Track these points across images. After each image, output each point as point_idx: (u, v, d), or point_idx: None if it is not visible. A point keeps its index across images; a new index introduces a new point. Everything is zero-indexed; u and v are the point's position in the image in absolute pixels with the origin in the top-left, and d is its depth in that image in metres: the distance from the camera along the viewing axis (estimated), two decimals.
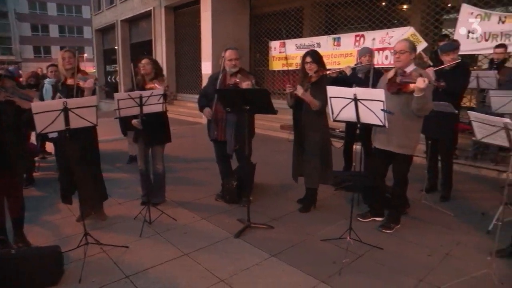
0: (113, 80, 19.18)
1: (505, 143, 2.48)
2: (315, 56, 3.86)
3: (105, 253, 3.29)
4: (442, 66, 4.22)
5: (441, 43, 5.85)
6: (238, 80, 3.96)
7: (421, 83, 3.04)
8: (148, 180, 4.37)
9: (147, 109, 3.72)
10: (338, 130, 5.51)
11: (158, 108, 3.82)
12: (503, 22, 6.32)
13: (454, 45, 4.40)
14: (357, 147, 4.89)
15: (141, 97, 3.63)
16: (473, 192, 4.84)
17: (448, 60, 4.21)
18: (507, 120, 2.37)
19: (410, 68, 3.40)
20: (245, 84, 3.87)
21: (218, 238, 3.59)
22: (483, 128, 2.57)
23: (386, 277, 2.94)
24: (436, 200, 4.47)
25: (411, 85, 3.15)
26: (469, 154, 5.89)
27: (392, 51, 3.52)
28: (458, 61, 4.20)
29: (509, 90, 3.80)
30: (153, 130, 4.08)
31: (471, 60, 8.16)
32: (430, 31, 8.21)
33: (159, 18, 13.91)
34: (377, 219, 3.89)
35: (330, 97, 3.10)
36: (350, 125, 5.06)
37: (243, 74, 4.10)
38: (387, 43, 7.60)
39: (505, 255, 3.21)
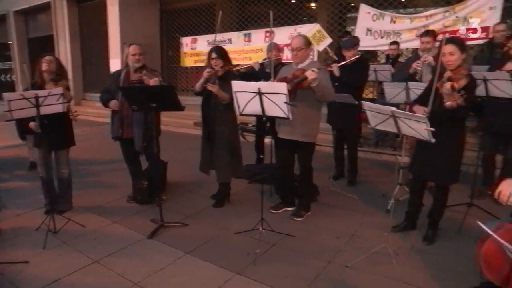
0: (8, 79, 17.30)
1: (394, 129, 2.74)
2: (220, 52, 3.90)
3: None
4: (345, 62, 4.48)
5: (344, 39, 6.25)
6: (144, 77, 3.83)
7: (310, 74, 3.24)
8: (51, 186, 4.05)
9: (45, 110, 3.43)
10: (250, 125, 5.64)
11: (58, 108, 3.54)
12: (394, 22, 7.00)
13: (354, 42, 4.71)
14: (267, 140, 5.04)
15: (37, 97, 3.34)
16: (375, 176, 5.28)
17: (349, 56, 4.49)
18: (394, 108, 2.62)
19: (306, 62, 3.60)
20: (153, 81, 3.77)
21: (131, 241, 3.46)
22: (376, 117, 2.81)
23: (298, 262, 3.09)
24: (343, 186, 4.79)
25: (304, 82, 3.33)
26: (371, 142, 6.42)
27: (289, 48, 3.66)
28: (358, 56, 4.50)
29: (400, 82, 4.20)
30: (55, 133, 3.79)
31: (371, 55, 8.85)
32: (334, 28, 8.72)
33: (61, 11, 12.85)
34: (289, 208, 4.05)
35: (236, 92, 3.15)
36: (260, 119, 5.20)
37: (148, 70, 3.99)
38: None
39: (399, 229, 3.57)
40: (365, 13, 7.30)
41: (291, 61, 3.75)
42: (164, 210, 3.77)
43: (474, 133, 5.35)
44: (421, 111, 3.03)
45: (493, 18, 6.00)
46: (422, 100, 3.23)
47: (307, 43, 3.60)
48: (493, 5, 6.01)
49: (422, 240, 3.41)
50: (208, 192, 4.52)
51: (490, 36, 5.78)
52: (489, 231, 1.81)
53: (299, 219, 3.85)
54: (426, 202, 3.57)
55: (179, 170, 5.30)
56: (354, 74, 4.39)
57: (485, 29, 6.13)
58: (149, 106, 3.46)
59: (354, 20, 7.71)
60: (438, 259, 3.12)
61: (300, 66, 3.60)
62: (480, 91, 3.70)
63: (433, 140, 2.56)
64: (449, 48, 3.00)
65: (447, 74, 3.01)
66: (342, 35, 7.59)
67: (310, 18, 9.47)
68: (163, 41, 11.38)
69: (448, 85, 2.86)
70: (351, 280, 2.84)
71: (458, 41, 3.05)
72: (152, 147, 3.83)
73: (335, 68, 4.31)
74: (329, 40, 6.93)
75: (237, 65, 4.85)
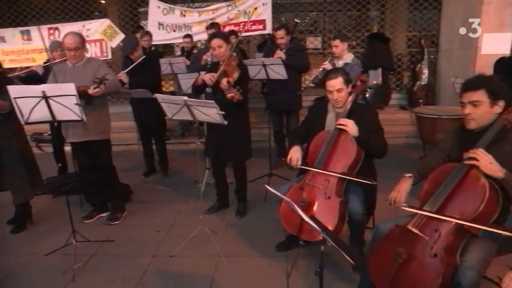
0: None
1: (190, 117, 2.91)
2: None
3: None
4: (133, 65, 4.33)
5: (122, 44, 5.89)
6: None
7: (94, 93, 3.08)
8: None
9: None
10: (46, 134, 5.02)
11: None
12: (184, 16, 7.28)
13: (133, 43, 4.51)
14: (68, 148, 4.63)
15: None
16: (186, 165, 5.47)
17: (136, 57, 4.40)
18: (185, 98, 2.78)
19: (83, 61, 3.40)
20: None
21: None
22: (171, 108, 2.92)
23: (123, 264, 3.02)
24: (156, 180, 4.83)
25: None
26: (177, 133, 6.61)
27: (66, 48, 3.33)
28: (144, 57, 4.40)
29: (193, 73, 4.44)
30: None
31: (168, 49, 9.02)
32: (126, 23, 8.50)
33: None
34: (103, 214, 3.85)
35: (15, 98, 2.76)
36: (53, 125, 4.68)
37: None
38: (85, 36, 7.37)
39: (214, 210, 3.86)
40: (155, 7, 7.33)
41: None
42: None
43: (264, 112, 6.10)
44: (208, 77, 3.28)
45: (266, 12, 6.94)
46: None
47: (83, 41, 3.38)
48: (265, 1, 6.93)
49: (235, 215, 3.77)
50: (3, 218, 3.86)
51: (268, 28, 6.69)
52: (278, 193, 2.14)
53: (116, 222, 3.72)
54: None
55: None
56: (144, 75, 4.36)
57: (261, 22, 7.03)
58: None
59: (146, 15, 7.66)
60: (251, 227, 3.52)
61: (77, 65, 3.38)
62: (262, 75, 4.28)
63: (225, 122, 2.84)
64: (216, 42, 3.34)
65: (222, 68, 3.32)
66: (135, 30, 7.46)
67: (99, 13, 8.97)
68: None
69: (224, 81, 3.18)
70: (177, 268, 2.94)
71: (221, 35, 3.44)
72: None
73: (123, 76, 4.19)
74: (121, 36, 6.73)
75: (14, 68, 4.22)
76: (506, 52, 5.35)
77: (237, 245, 3.25)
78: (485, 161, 1.86)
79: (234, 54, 3.47)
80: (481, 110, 1.99)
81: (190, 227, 3.44)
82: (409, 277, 1.89)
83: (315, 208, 2.57)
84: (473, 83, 2.02)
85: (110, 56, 6.89)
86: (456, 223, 1.86)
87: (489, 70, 5.15)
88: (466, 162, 1.94)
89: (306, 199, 2.57)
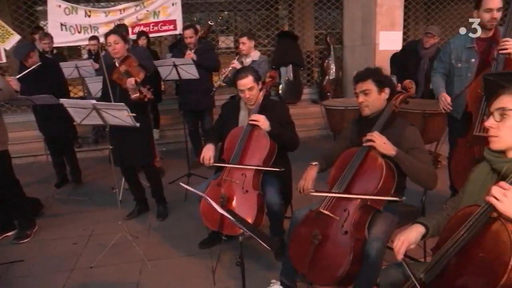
0: None
1: (101, 122, 2.80)
2: None
3: None
4: (26, 71, 3.90)
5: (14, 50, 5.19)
6: None
7: None
8: None
9: None
10: None
11: None
12: (89, 16, 6.88)
13: (27, 49, 3.97)
14: None
15: None
16: (101, 173, 5.22)
17: (30, 64, 3.95)
18: (94, 101, 2.67)
19: None
20: None
21: None
22: (79, 112, 2.78)
23: (33, 284, 2.81)
24: (70, 191, 4.56)
25: None
26: (90, 140, 6.25)
27: None
28: (39, 64, 3.98)
29: (101, 76, 4.22)
30: None
31: (73, 51, 8.47)
32: (22, 23, 7.79)
33: None
34: (9, 234, 3.52)
35: None
36: None
37: None
38: None
39: (135, 215, 3.77)
40: (56, 6, 6.81)
41: None
42: None
43: (179, 112, 6.01)
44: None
45: (176, 12, 6.88)
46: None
47: None
48: (175, 1, 6.86)
49: (156, 218, 3.71)
50: None
51: (178, 28, 6.65)
52: (194, 190, 2.16)
53: (25, 240, 3.42)
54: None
55: None
56: (43, 83, 3.96)
57: (172, 22, 6.94)
58: None
59: (46, 14, 7.09)
60: (174, 228, 3.50)
61: None
62: (173, 75, 4.25)
63: (137, 124, 2.79)
64: (112, 37, 3.27)
65: (122, 68, 3.23)
66: (33, 31, 6.88)
67: None
68: None
69: (132, 80, 3.10)
70: (98, 278, 2.82)
71: (118, 32, 3.39)
72: None
73: (13, 81, 3.81)
74: (17, 37, 6.13)
75: None
76: (398, 48, 5.96)
77: (160, 247, 3.20)
78: (379, 141, 2.10)
79: (132, 55, 3.38)
80: (372, 97, 2.26)
81: (110, 235, 3.30)
82: (325, 256, 2.04)
83: (234, 203, 2.63)
84: (362, 75, 2.30)
85: (4, 60, 6.25)
86: (361, 200, 2.05)
87: (387, 64, 5.70)
88: (364, 144, 2.16)
89: (225, 195, 2.61)
